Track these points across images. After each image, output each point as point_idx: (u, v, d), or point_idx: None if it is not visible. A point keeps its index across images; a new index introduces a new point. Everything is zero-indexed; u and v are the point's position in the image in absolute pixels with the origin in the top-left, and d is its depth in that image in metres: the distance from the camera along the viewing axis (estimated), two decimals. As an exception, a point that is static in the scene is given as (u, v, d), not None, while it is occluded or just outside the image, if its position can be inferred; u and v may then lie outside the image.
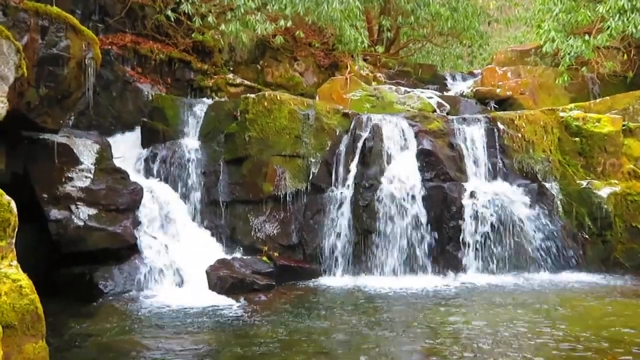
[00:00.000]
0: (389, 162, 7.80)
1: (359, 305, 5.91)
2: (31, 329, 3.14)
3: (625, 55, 10.48)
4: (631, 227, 7.82)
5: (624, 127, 8.49)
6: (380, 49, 13.32)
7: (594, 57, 10.14)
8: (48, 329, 3.34)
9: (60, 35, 5.77)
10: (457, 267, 7.50)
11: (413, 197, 7.58)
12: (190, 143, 8.11)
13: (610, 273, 7.55)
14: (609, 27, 9.46)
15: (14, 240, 3.46)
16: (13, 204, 3.50)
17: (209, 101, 9.21)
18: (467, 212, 7.59)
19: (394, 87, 10.86)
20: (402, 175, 7.66)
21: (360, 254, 7.52)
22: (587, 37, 9.84)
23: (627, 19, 9.26)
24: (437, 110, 9.98)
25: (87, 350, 4.46)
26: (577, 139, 8.30)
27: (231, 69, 11.08)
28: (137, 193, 6.88)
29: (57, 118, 6.14)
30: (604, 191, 7.86)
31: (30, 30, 5.51)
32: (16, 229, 3.49)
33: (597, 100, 9.53)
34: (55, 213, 6.28)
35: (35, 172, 6.35)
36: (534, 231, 7.67)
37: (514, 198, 7.77)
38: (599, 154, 8.20)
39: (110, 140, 7.48)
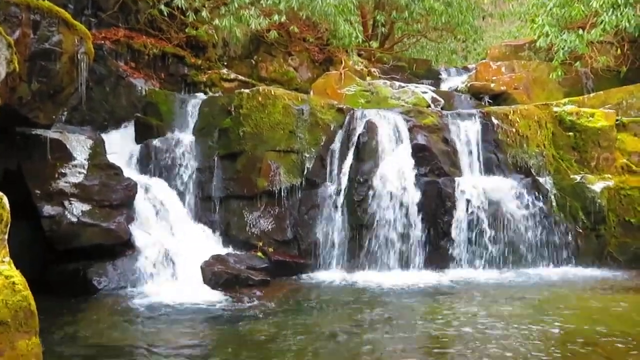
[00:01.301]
0: (383, 157, 7.79)
1: (353, 301, 5.91)
2: (24, 325, 3.13)
3: (619, 50, 10.50)
4: (624, 221, 7.85)
5: (617, 122, 8.51)
6: (374, 44, 13.30)
7: (588, 52, 10.15)
8: (41, 325, 3.32)
9: (52, 30, 5.72)
10: (452, 262, 7.52)
11: (407, 192, 7.57)
12: (184, 138, 8.07)
13: (603, 267, 7.59)
14: (602, 21, 9.46)
15: (6, 237, 3.43)
16: (5, 200, 3.48)
17: (203, 96, 9.18)
18: (461, 207, 7.60)
19: (388, 82, 10.85)
20: (397, 171, 7.66)
21: (355, 249, 7.53)
22: (580, 31, 9.85)
23: (621, 14, 9.26)
24: (432, 105, 9.98)
25: (81, 346, 4.45)
26: (570, 133, 8.32)
27: (225, 64, 11.03)
28: (130, 189, 6.85)
29: (50, 113, 6.10)
30: (598, 185, 7.88)
31: (22, 24, 5.45)
32: (9, 225, 3.46)
33: (591, 95, 9.56)
34: (48, 209, 6.24)
35: (28, 168, 6.31)
36: (528, 226, 7.69)
37: (508, 193, 7.78)
38: (592, 148, 8.22)
39: (104, 135, 7.45)
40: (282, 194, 7.65)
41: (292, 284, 6.82)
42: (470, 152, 8.08)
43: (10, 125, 6.10)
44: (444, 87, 12.27)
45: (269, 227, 7.56)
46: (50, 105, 6.03)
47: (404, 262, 7.46)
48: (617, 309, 5.46)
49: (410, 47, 16.85)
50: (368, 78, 11.59)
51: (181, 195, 7.68)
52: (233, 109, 7.91)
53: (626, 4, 9.27)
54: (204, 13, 9.77)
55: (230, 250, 7.31)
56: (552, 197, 7.87)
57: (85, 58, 6.08)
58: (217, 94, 9.62)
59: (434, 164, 7.80)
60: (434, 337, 4.60)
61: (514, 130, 8.15)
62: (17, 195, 6.21)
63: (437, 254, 7.54)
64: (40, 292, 3.58)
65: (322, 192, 7.76)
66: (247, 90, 8.08)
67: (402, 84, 10.79)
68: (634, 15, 9.24)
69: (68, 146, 6.56)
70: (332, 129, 8.03)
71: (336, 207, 7.66)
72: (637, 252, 7.75)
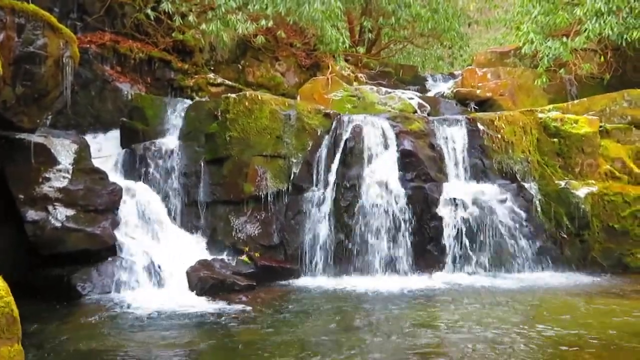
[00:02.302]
0: (370, 163, 7.82)
1: (339, 306, 5.91)
2: (6, 331, 3.09)
3: (602, 58, 10.63)
4: (608, 227, 7.94)
5: (600, 129, 8.61)
6: (361, 49, 13.36)
7: (572, 59, 10.27)
8: (25, 331, 3.28)
9: (37, 33, 5.68)
10: (438, 266, 7.54)
11: (394, 197, 7.60)
12: (170, 143, 8.03)
13: (587, 272, 7.66)
14: (586, 29, 9.59)
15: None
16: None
17: (190, 101, 9.14)
18: (448, 213, 7.64)
19: (375, 88, 10.89)
20: (383, 176, 7.69)
21: (342, 255, 7.53)
22: (565, 39, 9.97)
23: (604, 22, 9.39)
24: (418, 111, 10.03)
25: (64, 353, 4.39)
26: (555, 139, 8.40)
27: (212, 68, 11.01)
28: (116, 193, 6.80)
29: (34, 117, 6.05)
30: (582, 191, 7.96)
31: (6, 27, 5.41)
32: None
33: (575, 102, 9.67)
34: (32, 214, 6.17)
35: (12, 173, 6.24)
36: (513, 231, 7.74)
37: (494, 198, 7.84)
38: (576, 154, 8.31)
39: (89, 140, 7.39)
40: (269, 199, 7.63)
41: (278, 289, 6.80)
42: (456, 158, 8.13)
43: (-6, 129, 6.05)
44: (430, 93, 12.34)
45: (256, 232, 7.54)
46: (34, 109, 5.98)
47: (391, 267, 7.47)
48: (602, 313, 5.50)
49: (396, 53, 16.95)
50: (355, 83, 11.62)
51: (167, 200, 7.64)
52: (220, 114, 7.88)
53: (609, 12, 9.40)
54: (191, 17, 9.76)
55: (216, 255, 7.27)
56: (537, 202, 7.94)
57: (70, 62, 6.05)
58: (203, 99, 9.56)
59: (421, 170, 7.84)
60: (420, 342, 4.60)
61: (499, 136, 8.22)
62: (0, 200, 6.18)
63: (424, 259, 7.56)
64: (24, 296, 3.54)
65: (309, 197, 7.77)
66: (234, 95, 8.06)
67: (389, 90, 10.83)
68: (617, 23, 9.38)
69: (52, 150, 6.50)
70: (319, 134, 8.04)
71: (323, 212, 7.67)
72: (621, 257, 7.85)
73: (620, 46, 10.01)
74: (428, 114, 9.77)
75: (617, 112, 9.18)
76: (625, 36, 9.42)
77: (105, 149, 8.11)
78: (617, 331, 4.84)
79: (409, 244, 7.54)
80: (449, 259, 7.58)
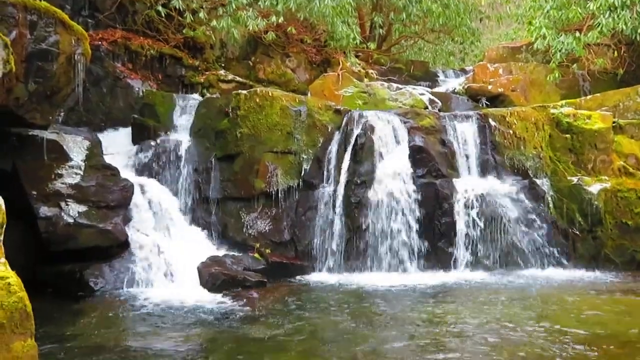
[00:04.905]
0: (380, 159, 7.80)
1: (350, 303, 5.90)
2: (20, 327, 3.11)
3: (616, 53, 10.52)
4: (621, 223, 7.85)
5: (614, 124, 8.52)
6: (372, 45, 13.31)
7: (585, 54, 10.17)
8: (37, 326, 3.30)
9: (49, 31, 5.71)
10: (449, 263, 7.52)
11: (405, 193, 7.58)
12: (182, 140, 8.07)
13: (600, 269, 7.58)
14: (599, 24, 9.49)
15: (2, 238, 3.43)
16: (1, 202, 3.47)
17: (200, 97, 9.17)
18: (459, 209, 7.61)
19: (386, 84, 10.84)
20: (394, 172, 7.66)
21: (352, 251, 7.52)
22: (577, 34, 9.87)
23: (618, 16, 9.29)
24: (429, 107, 9.99)
25: (77, 348, 4.43)
26: (567, 135, 8.33)
27: (223, 65, 11.03)
28: (127, 190, 6.83)
29: (46, 114, 6.09)
30: (595, 187, 7.89)
31: (19, 25, 5.44)
32: (4, 227, 3.45)
33: (588, 97, 9.57)
34: (44, 210, 6.22)
35: (24, 169, 6.29)
36: (525, 227, 7.69)
37: (505, 195, 7.79)
38: (589, 150, 8.24)
39: (101, 136, 7.43)
40: (280, 195, 7.64)
41: (289, 286, 6.81)
42: (468, 154, 8.08)
43: (6, 126, 6.09)
44: (441, 88, 12.28)
45: (266, 228, 7.55)
46: (47, 106, 6.02)
47: (401, 264, 7.45)
48: (615, 311, 5.46)
49: (407, 48, 16.87)
50: (365, 79, 11.59)
51: (178, 196, 7.67)
52: (230, 110, 7.90)
53: (623, 6, 9.30)
54: (202, 14, 9.77)
55: (227, 251, 7.29)
56: (549, 198, 7.88)
57: (82, 59, 6.08)
58: (214, 95, 9.61)
59: (432, 166, 7.81)
60: (430, 339, 4.59)
61: (511, 132, 8.16)
62: (11, 195, 6.22)
63: (435, 255, 7.54)
64: (33, 292, 3.56)
65: (320, 193, 7.76)
66: (244, 92, 8.07)
67: (400, 86, 10.78)
68: (630, 17, 9.27)
69: (64, 147, 6.55)
70: (329, 130, 8.03)
71: (333, 208, 7.66)
72: (634, 254, 7.76)
73: (634, 41, 9.90)
74: (439, 110, 9.72)
75: (631, 107, 9.08)
76: (639, 30, 9.31)
77: (117, 145, 8.14)
78: (631, 329, 4.80)
79: (420, 240, 7.52)
80: (460, 256, 7.55)
